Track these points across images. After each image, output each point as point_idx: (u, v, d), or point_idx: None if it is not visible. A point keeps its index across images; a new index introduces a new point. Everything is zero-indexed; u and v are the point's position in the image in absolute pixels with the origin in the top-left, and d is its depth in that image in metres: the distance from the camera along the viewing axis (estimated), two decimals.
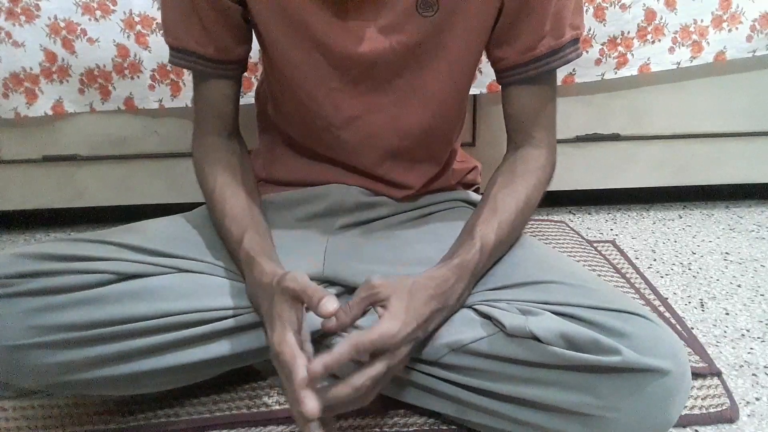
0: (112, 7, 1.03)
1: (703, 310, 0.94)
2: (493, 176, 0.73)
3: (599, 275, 0.99)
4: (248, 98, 1.03)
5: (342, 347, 0.52)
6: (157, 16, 1.04)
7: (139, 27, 1.04)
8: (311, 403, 0.51)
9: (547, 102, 0.73)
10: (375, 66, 0.68)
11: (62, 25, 1.04)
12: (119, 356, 0.62)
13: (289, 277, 0.56)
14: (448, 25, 0.67)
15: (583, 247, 1.12)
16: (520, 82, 0.71)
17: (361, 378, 0.54)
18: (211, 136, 0.76)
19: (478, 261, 0.64)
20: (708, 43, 1.10)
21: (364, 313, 0.59)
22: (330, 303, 0.53)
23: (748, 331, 0.88)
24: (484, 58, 0.74)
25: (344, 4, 0.65)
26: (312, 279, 0.70)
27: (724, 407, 0.72)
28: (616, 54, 1.11)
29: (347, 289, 0.71)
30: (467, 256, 0.63)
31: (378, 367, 0.55)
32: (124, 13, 1.04)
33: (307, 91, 0.71)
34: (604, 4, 1.06)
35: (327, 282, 0.71)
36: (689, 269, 1.07)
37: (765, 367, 0.81)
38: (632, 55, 1.11)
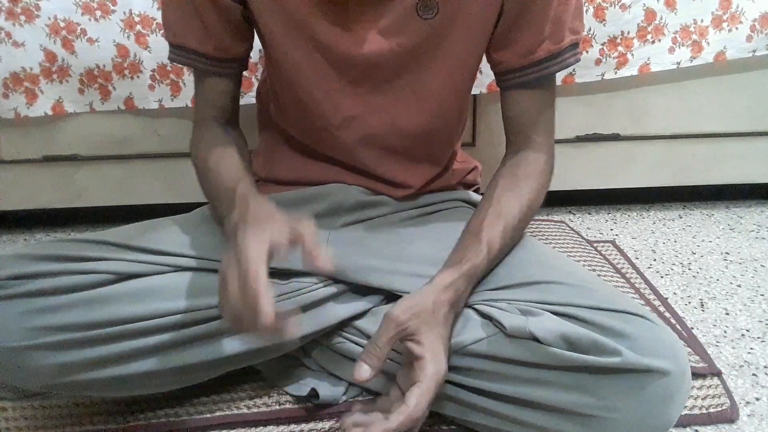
0: (112, 7, 1.03)
1: (703, 310, 0.94)
2: (494, 178, 0.72)
3: (599, 275, 0.99)
4: (248, 98, 1.03)
5: (399, 421, 0.54)
6: (157, 16, 1.04)
7: (139, 27, 1.04)
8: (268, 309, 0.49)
9: (546, 106, 0.73)
10: (375, 67, 0.68)
11: (62, 25, 1.04)
12: (119, 357, 0.62)
13: (306, 225, 0.55)
14: (447, 28, 0.67)
15: (583, 247, 1.12)
16: (519, 86, 0.71)
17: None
18: (208, 123, 0.76)
19: (486, 266, 0.64)
20: (708, 43, 1.10)
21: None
22: (364, 371, 0.56)
23: (748, 331, 0.88)
24: (484, 58, 0.74)
25: (345, 5, 0.65)
26: (313, 273, 0.70)
27: (724, 407, 0.72)
28: (616, 54, 1.11)
29: (350, 287, 0.71)
30: (476, 260, 0.63)
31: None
32: (124, 13, 1.04)
33: (307, 90, 0.71)
34: (604, 4, 1.06)
35: (329, 277, 0.71)
36: (689, 269, 1.07)
37: (765, 367, 0.81)
38: (632, 55, 1.11)
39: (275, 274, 0.69)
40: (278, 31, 0.68)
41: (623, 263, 1.08)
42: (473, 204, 0.82)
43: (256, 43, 0.75)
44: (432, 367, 0.56)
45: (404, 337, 0.58)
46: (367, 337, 0.70)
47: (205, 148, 0.74)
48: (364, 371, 0.56)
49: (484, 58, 0.74)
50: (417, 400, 0.54)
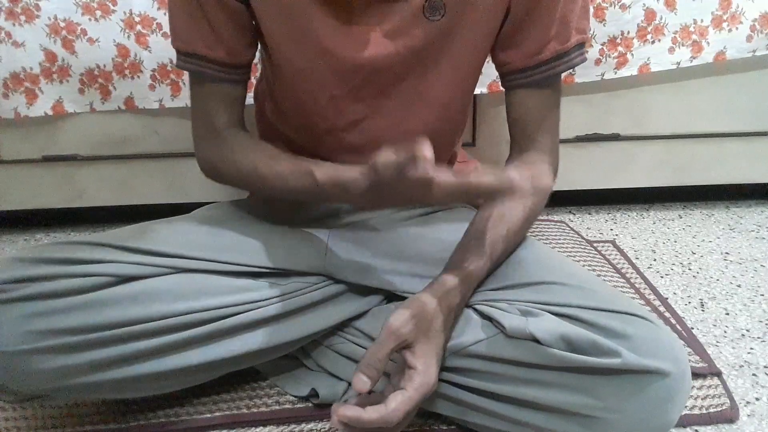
0: (112, 7, 1.03)
1: (703, 310, 0.94)
2: None
3: (599, 275, 0.99)
4: (248, 98, 1.03)
5: (371, 417, 0.54)
6: (157, 16, 1.04)
7: (139, 27, 1.04)
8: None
9: (551, 107, 0.72)
10: (379, 71, 0.67)
11: (62, 25, 1.04)
12: (119, 359, 0.62)
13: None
14: (454, 29, 0.66)
15: (583, 247, 1.12)
16: (524, 86, 0.71)
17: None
18: (225, 130, 0.73)
19: (488, 270, 0.65)
20: (708, 43, 1.10)
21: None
22: (363, 383, 0.55)
23: (748, 331, 0.88)
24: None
25: (350, 8, 0.64)
26: (313, 272, 0.70)
27: (724, 407, 0.72)
28: (616, 54, 1.11)
29: (350, 288, 0.71)
30: (478, 264, 0.63)
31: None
32: (124, 13, 1.03)
33: (310, 95, 0.70)
34: (604, 4, 1.06)
35: (329, 278, 0.71)
36: (689, 269, 1.07)
37: (765, 367, 0.81)
38: (632, 55, 1.11)
39: (276, 274, 0.69)
40: (281, 36, 0.68)
41: (623, 263, 1.08)
42: (473, 204, 0.82)
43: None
44: (420, 378, 0.56)
45: (403, 348, 0.57)
46: (367, 336, 0.70)
47: (237, 156, 0.70)
48: (363, 383, 0.55)
49: (487, 58, 0.74)
50: (396, 405, 0.54)
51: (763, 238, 1.18)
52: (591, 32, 1.08)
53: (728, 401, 0.73)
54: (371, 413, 0.54)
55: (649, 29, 1.09)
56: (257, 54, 0.75)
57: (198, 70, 0.71)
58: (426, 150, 0.49)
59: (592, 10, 1.06)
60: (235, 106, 0.75)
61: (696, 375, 0.76)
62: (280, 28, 0.67)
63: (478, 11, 0.66)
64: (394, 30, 0.65)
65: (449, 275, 0.62)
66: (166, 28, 1.01)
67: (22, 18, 1.03)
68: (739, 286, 1.01)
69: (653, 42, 1.10)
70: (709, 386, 0.76)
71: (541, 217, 1.28)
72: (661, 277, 1.05)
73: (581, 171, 1.25)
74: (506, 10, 0.66)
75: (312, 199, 0.67)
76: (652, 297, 0.96)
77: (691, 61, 1.12)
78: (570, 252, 1.09)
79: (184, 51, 0.70)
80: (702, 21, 1.09)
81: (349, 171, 0.58)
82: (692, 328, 0.89)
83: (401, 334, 0.56)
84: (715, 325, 0.90)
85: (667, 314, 0.91)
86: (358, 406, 0.56)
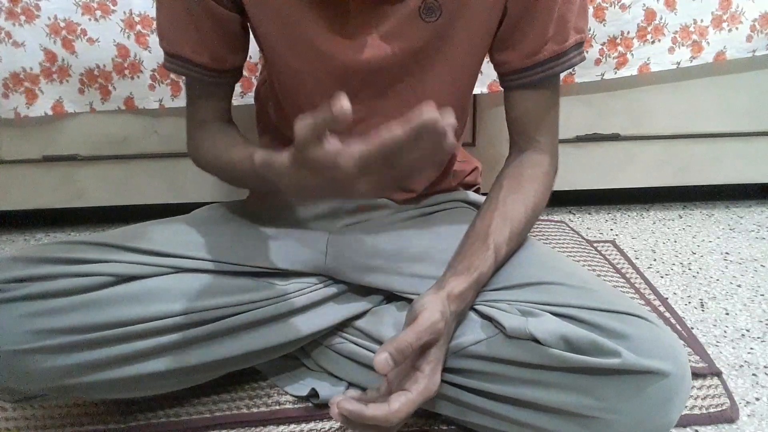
0: (112, 7, 1.03)
1: (703, 310, 0.94)
2: (498, 179, 0.72)
3: (599, 275, 0.99)
4: (248, 98, 1.03)
5: (374, 414, 0.53)
6: None
7: (139, 27, 1.04)
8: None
9: (550, 106, 0.72)
10: (376, 73, 0.67)
11: (62, 25, 1.04)
12: (119, 359, 0.62)
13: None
14: (450, 30, 0.66)
15: (583, 247, 1.12)
16: (523, 87, 0.71)
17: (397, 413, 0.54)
18: (207, 125, 0.75)
19: (492, 273, 0.65)
20: (708, 43, 1.10)
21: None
22: (386, 362, 0.52)
23: (748, 331, 0.88)
24: (485, 58, 0.74)
25: (346, 11, 0.64)
26: (314, 272, 0.70)
27: (724, 407, 0.72)
28: (616, 54, 1.11)
29: (350, 288, 0.71)
30: (484, 268, 0.63)
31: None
32: (124, 13, 1.04)
33: (308, 97, 0.70)
34: (604, 4, 1.06)
35: (329, 278, 0.71)
36: (689, 269, 1.07)
37: (765, 367, 0.81)
38: (632, 55, 1.11)
39: (275, 275, 0.69)
40: (277, 41, 0.68)
41: (623, 263, 1.08)
42: (472, 204, 0.82)
43: (255, 43, 0.75)
44: (425, 382, 0.56)
45: (430, 342, 0.57)
46: (368, 336, 0.70)
47: (210, 145, 0.73)
48: (387, 365, 0.52)
49: (486, 57, 0.74)
50: (399, 406, 0.54)
51: (763, 238, 1.18)
52: (591, 32, 1.08)
53: (728, 401, 0.73)
54: (373, 410, 0.53)
55: (649, 29, 1.09)
56: (259, 54, 0.75)
57: (183, 73, 0.71)
58: (345, 103, 0.46)
59: (592, 10, 1.06)
60: (221, 108, 0.75)
61: (696, 375, 0.76)
62: (277, 34, 0.67)
63: (474, 12, 0.65)
64: (390, 32, 0.65)
65: (458, 280, 0.61)
66: None
67: (22, 18, 1.03)
68: (739, 286, 1.01)
69: (653, 42, 1.10)
70: (709, 386, 0.76)
71: (541, 217, 1.27)
72: (661, 277, 1.05)
73: (581, 171, 1.25)
74: (503, 10, 0.66)
75: (256, 187, 0.66)
76: (652, 297, 0.96)
77: (691, 61, 1.12)
78: (570, 252, 1.09)
79: (170, 52, 0.71)
80: (702, 21, 1.09)
81: (281, 153, 0.55)
82: (692, 328, 0.89)
83: (437, 329, 0.56)
84: (715, 325, 0.90)
85: (667, 314, 0.91)
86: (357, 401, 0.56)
